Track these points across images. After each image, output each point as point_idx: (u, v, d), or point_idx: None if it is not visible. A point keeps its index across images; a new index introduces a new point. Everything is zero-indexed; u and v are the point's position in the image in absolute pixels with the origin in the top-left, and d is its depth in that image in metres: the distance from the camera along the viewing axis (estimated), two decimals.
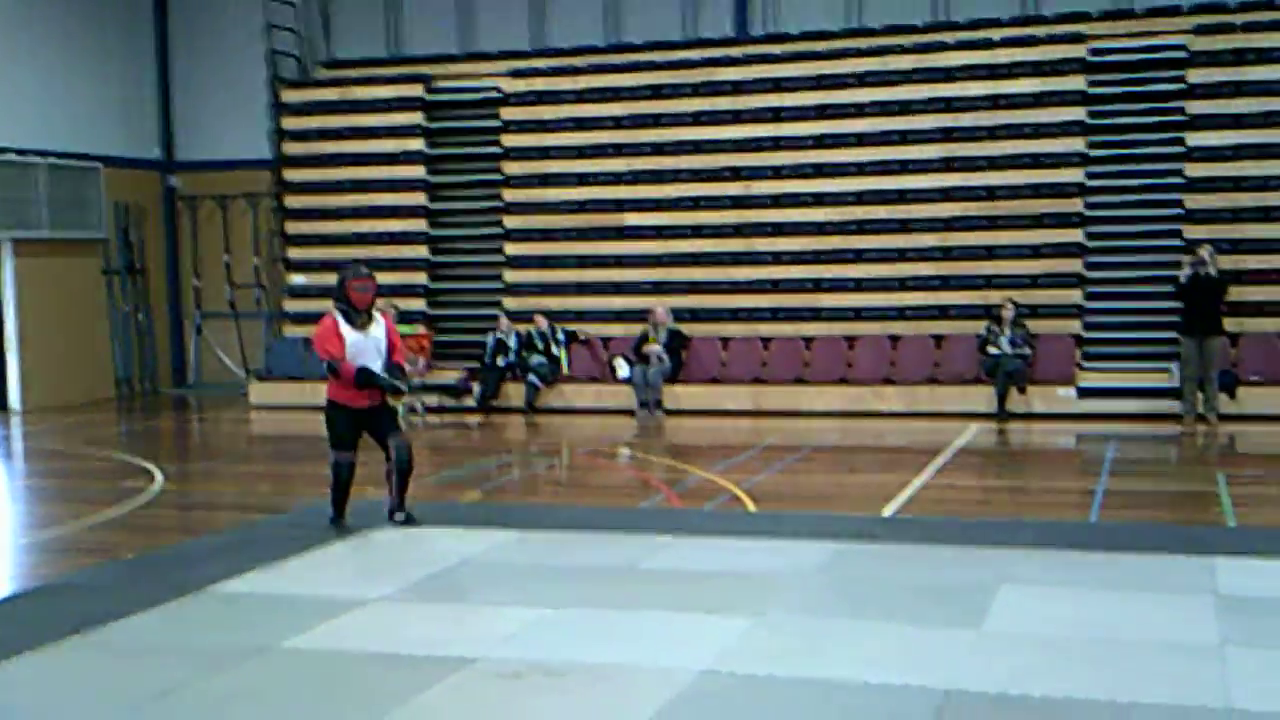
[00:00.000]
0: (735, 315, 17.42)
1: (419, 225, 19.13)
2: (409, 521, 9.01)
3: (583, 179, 18.37)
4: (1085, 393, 15.52)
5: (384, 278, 18.25)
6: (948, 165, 17.04)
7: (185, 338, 21.45)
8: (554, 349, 17.23)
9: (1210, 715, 5.28)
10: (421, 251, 19.04)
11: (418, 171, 19.23)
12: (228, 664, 6.13)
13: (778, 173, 17.63)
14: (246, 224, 20.98)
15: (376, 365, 8.77)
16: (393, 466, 8.91)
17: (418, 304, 18.59)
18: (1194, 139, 16.28)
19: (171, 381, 21.24)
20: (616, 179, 18.23)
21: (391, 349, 8.92)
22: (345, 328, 8.75)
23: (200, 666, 6.09)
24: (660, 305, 17.01)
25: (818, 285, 17.19)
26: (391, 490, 9.00)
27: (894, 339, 16.69)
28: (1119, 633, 6.41)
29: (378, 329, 8.89)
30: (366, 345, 8.77)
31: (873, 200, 17.17)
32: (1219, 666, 5.88)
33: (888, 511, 9.87)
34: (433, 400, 17.33)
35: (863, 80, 17.55)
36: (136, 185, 20.64)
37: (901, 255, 16.98)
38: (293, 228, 19.67)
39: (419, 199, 19.17)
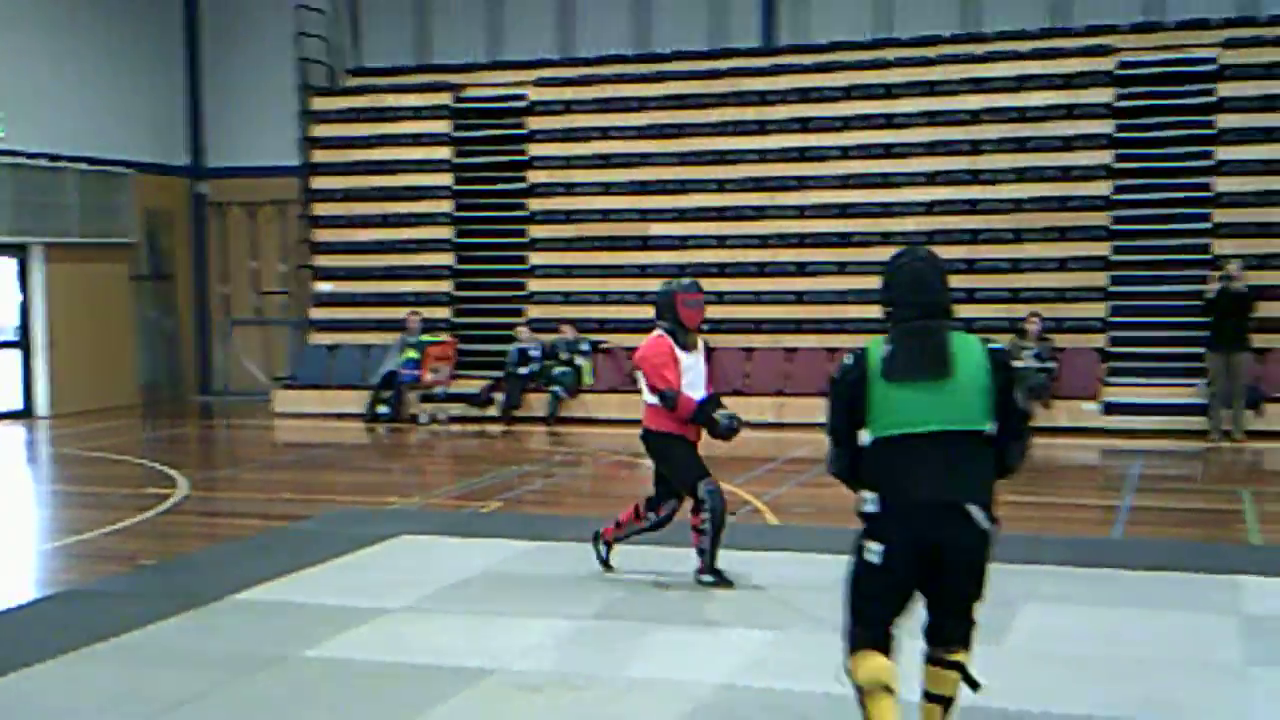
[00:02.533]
0: (759, 326, 17.38)
1: (445, 233, 19.19)
2: (720, 582, 7.65)
3: (608, 188, 18.40)
4: (1111, 408, 15.43)
5: (409, 286, 18.79)
6: (975, 177, 16.99)
7: (212, 344, 21.57)
8: (577, 359, 17.25)
9: None
10: (447, 259, 19.10)
11: (444, 179, 19.30)
12: (247, 673, 6.16)
13: (803, 184, 17.61)
14: (274, 231, 21.10)
15: (700, 396, 7.65)
16: (708, 517, 7.58)
17: (443, 313, 18.64)
18: (1223, 153, 16.19)
19: (197, 388, 21.36)
20: (641, 188, 18.25)
21: (710, 377, 7.81)
22: (679, 351, 7.61)
23: (220, 675, 6.12)
24: None
25: (843, 297, 17.15)
26: (703, 545, 7.65)
27: None
28: (1141, 651, 6.37)
29: (700, 353, 7.74)
30: (696, 371, 7.65)
31: (900, 212, 17.13)
32: (1242, 687, 5.84)
33: None
34: (456, 410, 17.38)
35: (890, 91, 17.53)
36: (166, 191, 20.78)
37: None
38: (320, 235, 19.76)
39: (445, 207, 19.24)
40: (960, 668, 4.68)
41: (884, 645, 4.56)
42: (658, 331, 7.70)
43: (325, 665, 6.30)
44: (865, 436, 4.61)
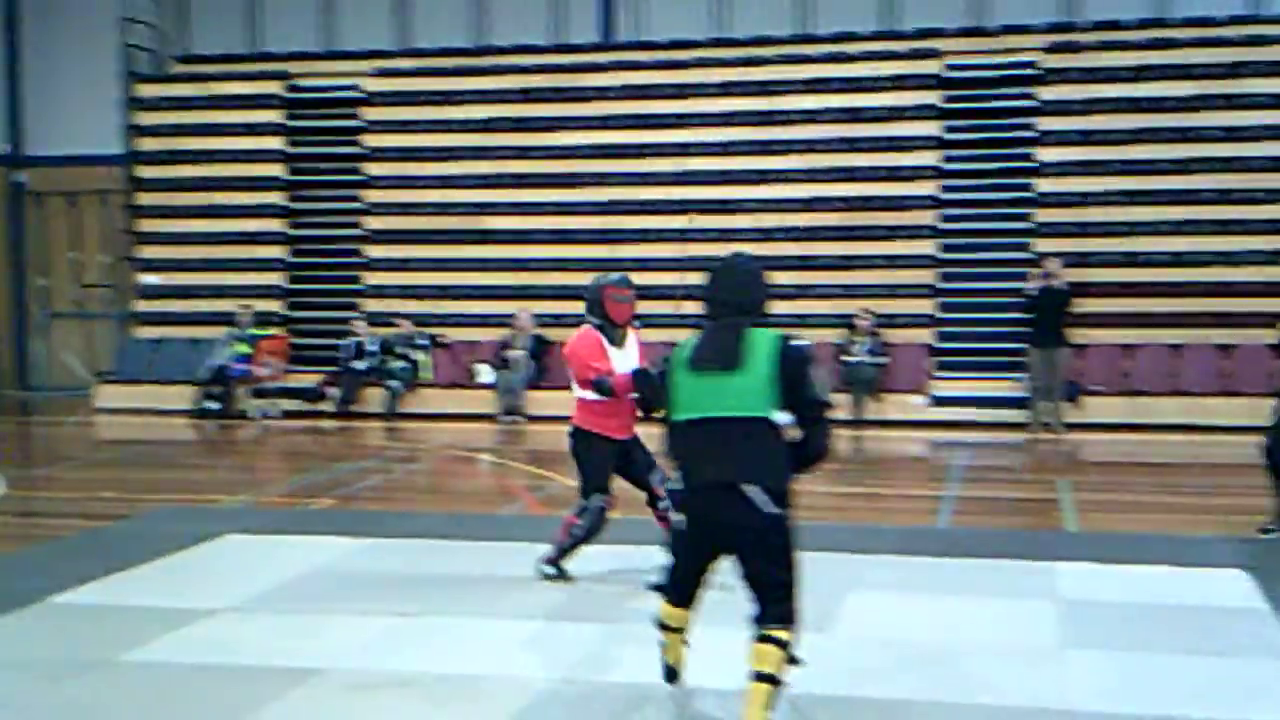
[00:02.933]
0: None
1: (277, 225, 18.78)
2: (560, 577, 7.66)
3: (446, 181, 18.23)
4: (938, 401, 15.89)
5: (240, 278, 18.34)
6: (808, 176, 17.30)
7: (30, 338, 20.71)
8: (415, 353, 17.05)
9: (1047, 716, 5.44)
10: (279, 252, 18.69)
11: (276, 170, 18.88)
12: (65, 678, 5.93)
13: (641, 179, 17.71)
14: (97, 222, 20.36)
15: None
16: (583, 527, 7.59)
17: (275, 305, 18.24)
18: (1044, 155, 16.79)
19: (15, 383, 20.49)
20: (480, 182, 18.13)
21: None
22: (608, 347, 7.50)
23: (37, 680, 5.89)
24: (523, 310, 16.94)
25: (680, 293, 17.27)
26: (564, 544, 7.66)
27: None
28: (963, 636, 6.56)
29: (632, 349, 7.59)
30: (625, 366, 7.48)
31: (735, 209, 17.35)
32: (1058, 668, 6.06)
33: None
34: (288, 405, 17.01)
35: (726, 90, 17.75)
36: None
37: (763, 264, 17.14)
38: (145, 226, 19.13)
39: (277, 198, 18.82)
40: (778, 643, 4.90)
41: (684, 601, 5.33)
42: (586, 326, 7.59)
43: (147, 668, 6.10)
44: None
